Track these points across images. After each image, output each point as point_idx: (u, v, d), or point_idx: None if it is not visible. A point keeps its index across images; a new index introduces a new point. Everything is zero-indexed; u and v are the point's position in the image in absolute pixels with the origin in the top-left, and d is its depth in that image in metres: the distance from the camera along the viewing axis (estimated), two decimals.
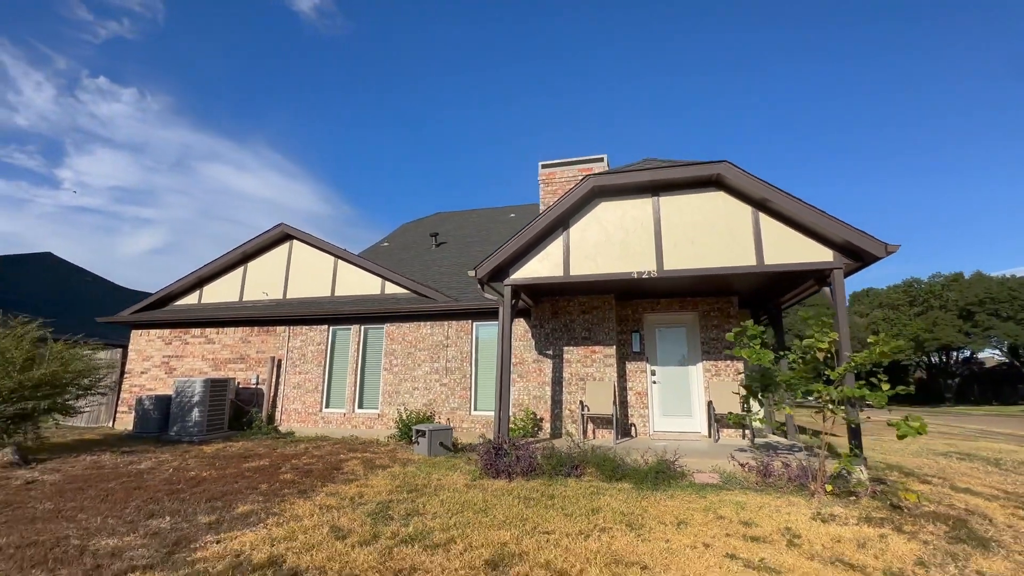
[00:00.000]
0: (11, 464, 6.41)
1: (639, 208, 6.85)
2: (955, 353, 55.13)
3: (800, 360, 5.01)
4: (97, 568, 3.35)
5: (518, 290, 7.59)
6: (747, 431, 7.96)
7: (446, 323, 9.96)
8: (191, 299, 12.06)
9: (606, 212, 6.97)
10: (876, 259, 5.76)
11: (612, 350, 8.42)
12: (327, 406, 10.41)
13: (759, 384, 5.26)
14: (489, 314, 9.60)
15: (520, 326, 9.31)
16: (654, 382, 8.81)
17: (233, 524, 4.23)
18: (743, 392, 6.43)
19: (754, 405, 7.67)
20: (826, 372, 4.94)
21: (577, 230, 7.05)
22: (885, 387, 4.59)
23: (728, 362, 8.43)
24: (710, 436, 8.18)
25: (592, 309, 8.67)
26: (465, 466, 6.50)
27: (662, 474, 5.58)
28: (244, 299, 11.63)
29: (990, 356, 56.54)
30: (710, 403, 8.16)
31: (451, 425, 8.58)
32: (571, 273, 6.94)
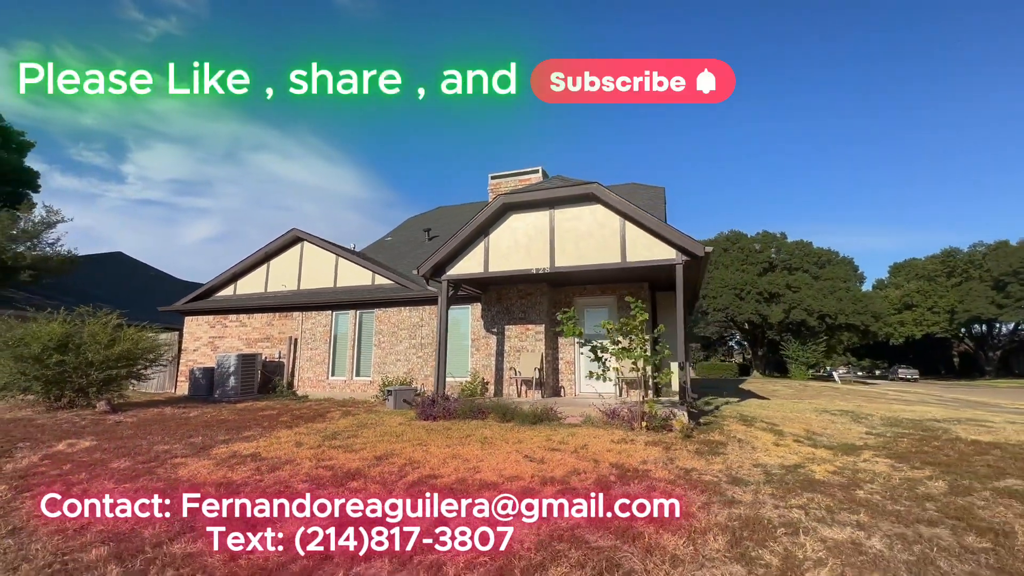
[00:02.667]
0: (105, 412, 9.29)
1: (540, 219, 8.83)
2: (998, 325, 53.03)
3: (616, 332, 7.00)
4: (157, 457, 5.91)
5: (458, 283, 9.78)
6: (649, 390, 9.94)
7: (421, 308, 12.30)
8: (228, 291, 14.95)
9: (516, 222, 9.00)
10: (699, 257, 7.57)
11: (542, 328, 10.50)
12: (332, 375, 13.06)
13: (596, 348, 7.30)
14: (456, 300, 11.84)
15: (477, 309, 11.52)
16: (581, 353, 10.84)
17: (238, 440, 6.75)
18: (592, 356, 8.41)
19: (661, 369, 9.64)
20: (635, 345, 6.90)
21: (495, 236, 9.12)
22: (667, 352, 6.52)
23: (637, 336, 10.33)
24: (619, 396, 10.18)
25: (527, 295, 10.75)
26: (412, 413, 8.87)
27: (540, 417, 7.73)
28: (268, 290, 14.39)
29: None
30: (617, 369, 10.13)
31: (415, 387, 10.96)
32: (489, 270, 9.06)
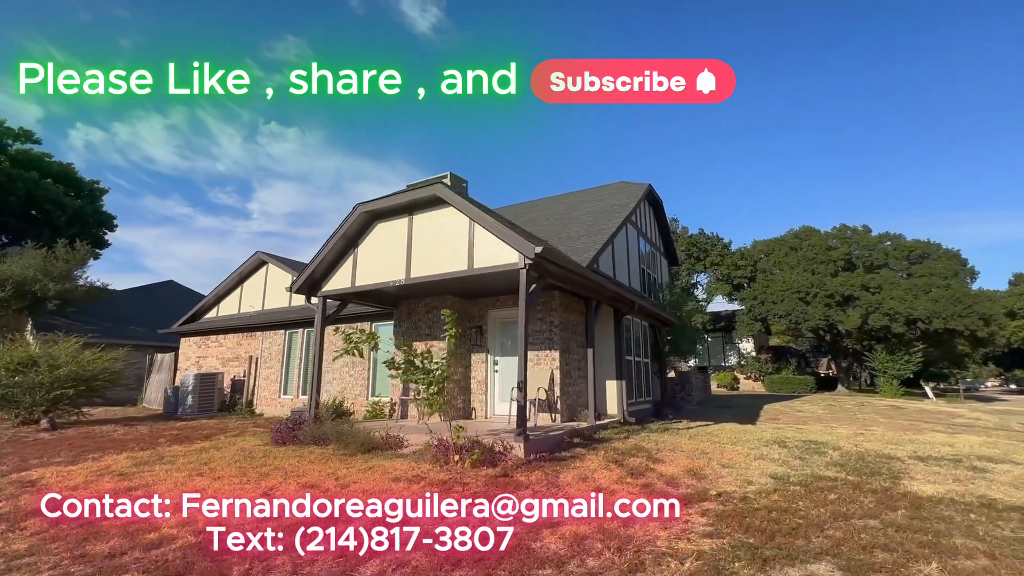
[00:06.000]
0: (44, 430, 10.12)
1: (401, 227, 8.18)
2: None
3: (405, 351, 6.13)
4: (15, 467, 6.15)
5: (344, 299, 9.39)
6: (555, 413, 8.84)
7: (354, 324, 12.06)
8: (212, 313, 15.95)
9: (382, 232, 8.43)
10: (532, 259, 6.44)
11: (444, 344, 9.73)
12: (284, 393, 13.27)
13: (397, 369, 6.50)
14: (386, 316, 11.51)
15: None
16: (496, 371, 9.89)
17: (64, 464, 6.83)
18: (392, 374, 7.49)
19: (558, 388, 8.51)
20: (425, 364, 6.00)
21: (363, 248, 8.62)
22: (446, 371, 5.57)
23: (547, 352, 9.18)
24: (529, 419, 9.06)
25: (433, 309, 10.03)
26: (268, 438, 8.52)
27: (377, 445, 7.01)
28: (241, 311, 15.11)
29: None
30: (525, 390, 9.03)
31: (345, 406, 10.71)
32: (356, 284, 8.56)
